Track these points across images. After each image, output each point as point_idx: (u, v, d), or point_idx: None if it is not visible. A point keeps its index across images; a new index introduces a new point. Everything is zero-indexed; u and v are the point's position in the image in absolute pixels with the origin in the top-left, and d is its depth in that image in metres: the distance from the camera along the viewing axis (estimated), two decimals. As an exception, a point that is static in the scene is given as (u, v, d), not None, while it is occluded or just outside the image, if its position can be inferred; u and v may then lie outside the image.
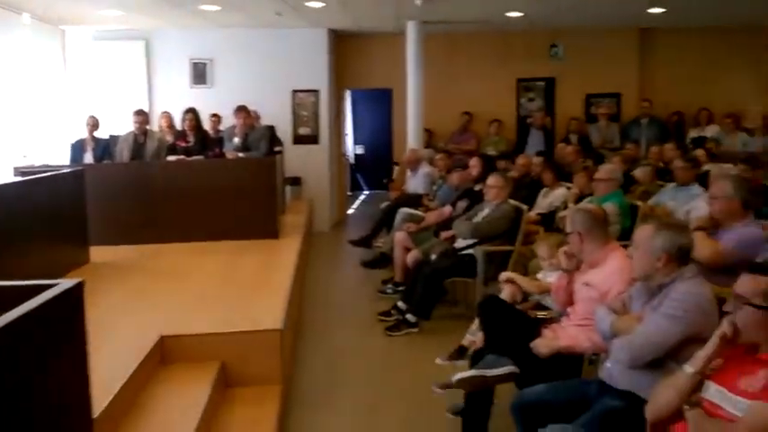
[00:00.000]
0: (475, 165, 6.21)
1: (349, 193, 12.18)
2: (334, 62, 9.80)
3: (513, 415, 2.77)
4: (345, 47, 10.00)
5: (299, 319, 5.38)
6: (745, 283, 2.06)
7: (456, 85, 9.93)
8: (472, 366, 3.20)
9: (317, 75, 9.42)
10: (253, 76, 9.22)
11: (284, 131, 9.11)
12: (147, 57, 9.32)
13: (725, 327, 2.07)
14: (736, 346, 2.09)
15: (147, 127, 7.12)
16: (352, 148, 12.85)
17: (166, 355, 3.62)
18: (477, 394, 3.17)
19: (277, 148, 7.62)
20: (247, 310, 4.14)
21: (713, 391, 2.05)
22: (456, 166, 6.84)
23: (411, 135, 8.81)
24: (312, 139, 9.58)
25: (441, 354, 3.96)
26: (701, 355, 2.11)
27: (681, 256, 2.47)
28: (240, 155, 6.78)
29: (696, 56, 10.01)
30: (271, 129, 7.57)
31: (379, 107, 11.73)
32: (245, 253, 5.86)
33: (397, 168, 9.65)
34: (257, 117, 8.26)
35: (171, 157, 6.88)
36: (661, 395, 2.19)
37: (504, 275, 3.87)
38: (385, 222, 7.14)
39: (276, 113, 8.96)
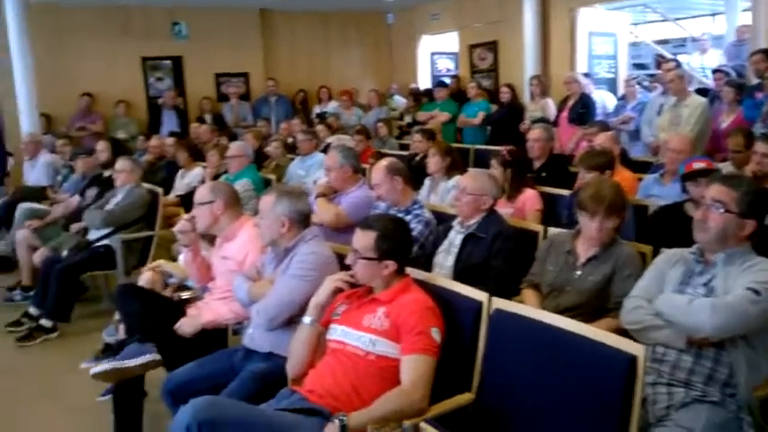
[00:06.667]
0: (103, 149, 5.78)
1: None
2: None
3: (164, 400, 2.72)
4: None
5: None
6: (359, 239, 2.35)
7: (72, 64, 9.12)
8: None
9: None
10: None
11: None
12: None
13: (337, 281, 2.36)
14: (353, 292, 2.38)
15: None
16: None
17: None
18: (125, 386, 3.02)
19: None
20: None
21: (339, 332, 2.32)
22: (79, 152, 6.27)
23: (24, 121, 7.77)
24: None
25: (86, 356, 3.66)
26: (313, 303, 2.37)
27: (301, 220, 2.70)
28: None
29: (314, 38, 10.87)
30: None
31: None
32: None
33: (12, 160, 8.45)
34: None
35: None
36: (294, 349, 2.40)
37: (153, 264, 3.76)
38: (2, 222, 6.25)
39: None
